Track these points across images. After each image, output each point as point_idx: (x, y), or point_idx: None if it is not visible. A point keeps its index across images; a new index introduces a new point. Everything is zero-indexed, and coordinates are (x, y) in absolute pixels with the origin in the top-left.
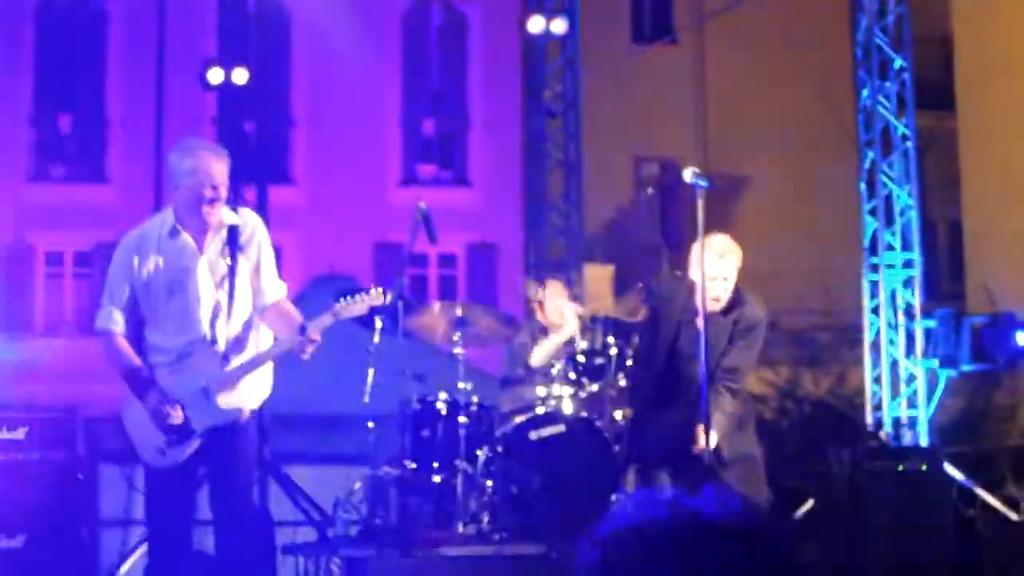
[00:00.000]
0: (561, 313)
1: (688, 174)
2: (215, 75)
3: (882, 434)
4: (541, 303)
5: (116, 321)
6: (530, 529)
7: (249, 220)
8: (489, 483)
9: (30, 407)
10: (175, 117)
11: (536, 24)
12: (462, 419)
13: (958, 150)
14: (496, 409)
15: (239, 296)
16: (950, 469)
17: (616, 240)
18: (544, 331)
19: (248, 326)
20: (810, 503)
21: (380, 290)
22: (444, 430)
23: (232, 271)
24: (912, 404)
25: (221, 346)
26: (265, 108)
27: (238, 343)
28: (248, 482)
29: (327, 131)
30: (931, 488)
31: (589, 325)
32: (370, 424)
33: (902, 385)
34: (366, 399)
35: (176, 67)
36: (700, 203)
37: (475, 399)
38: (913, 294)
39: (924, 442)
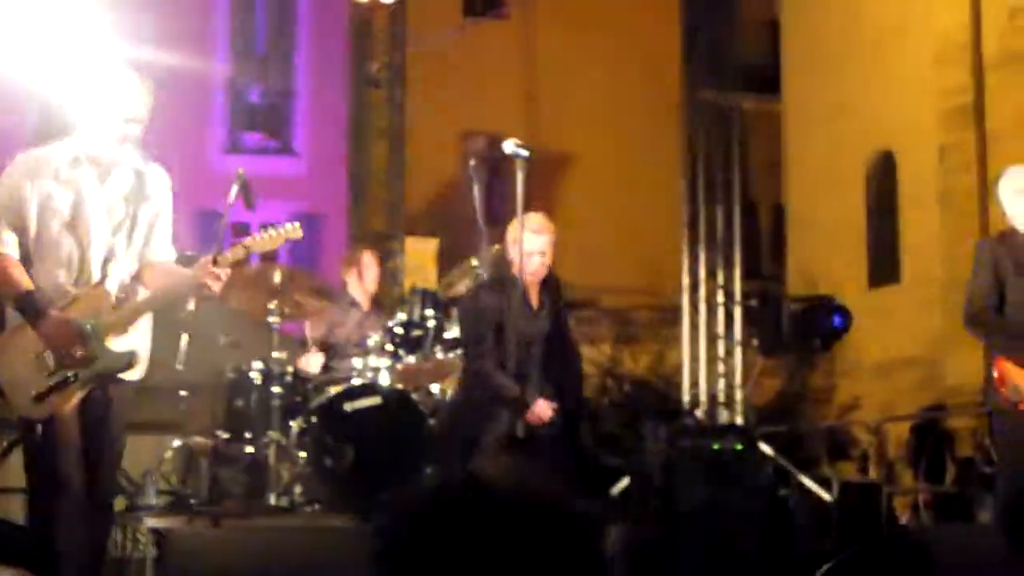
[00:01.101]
0: (375, 282)
1: (508, 145)
2: None
3: (698, 412)
4: (360, 272)
5: (4, 241)
6: (342, 501)
7: (159, 172)
8: (303, 454)
9: None
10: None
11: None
12: (276, 389)
13: (782, 134)
14: (311, 380)
15: (134, 245)
16: (765, 448)
17: (441, 214)
18: (354, 303)
19: (133, 282)
20: (626, 481)
21: (296, 225)
22: (257, 400)
23: (134, 217)
24: (729, 383)
25: (112, 289)
26: None
27: (125, 290)
28: (120, 448)
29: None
30: (745, 467)
31: (408, 297)
32: (183, 392)
33: (720, 364)
34: (179, 366)
35: None
36: (520, 174)
37: (290, 369)
38: (732, 275)
39: (740, 421)
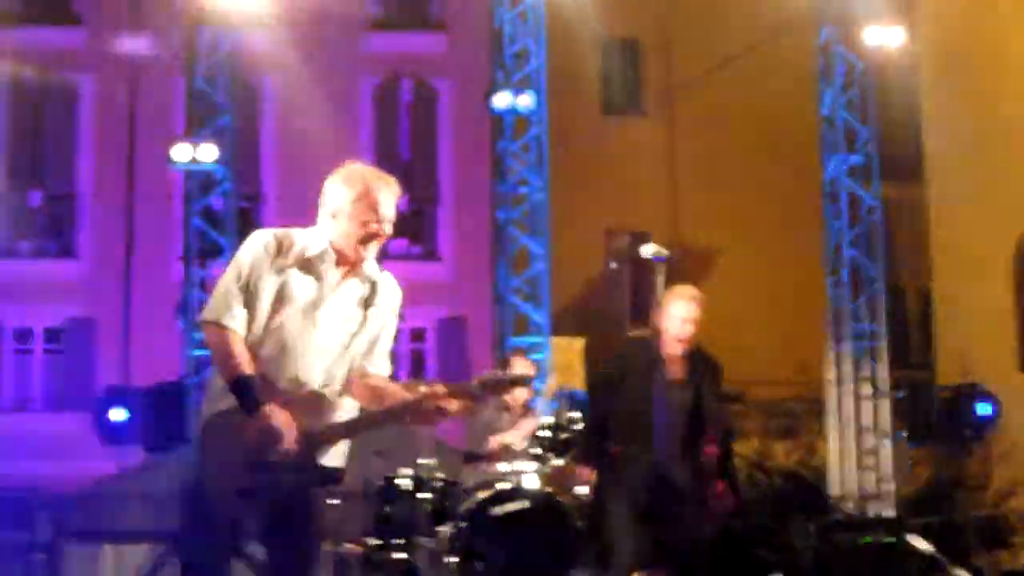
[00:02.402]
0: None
1: (647, 249)
2: (181, 152)
3: (848, 506)
4: None
5: (235, 317)
6: None
7: (392, 284)
8: (453, 560)
9: None
10: (145, 193)
11: (502, 99)
12: (425, 495)
13: (926, 221)
14: (460, 485)
15: (354, 351)
16: (916, 541)
17: (586, 313)
18: (507, 408)
19: (345, 387)
20: None
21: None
22: (407, 506)
23: (360, 328)
24: (879, 476)
25: (331, 395)
26: (235, 183)
27: (341, 402)
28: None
29: (297, 206)
30: (895, 560)
31: (554, 399)
32: (333, 500)
33: (868, 457)
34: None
35: (146, 143)
36: (660, 277)
37: (438, 474)
38: (880, 365)
39: (890, 514)
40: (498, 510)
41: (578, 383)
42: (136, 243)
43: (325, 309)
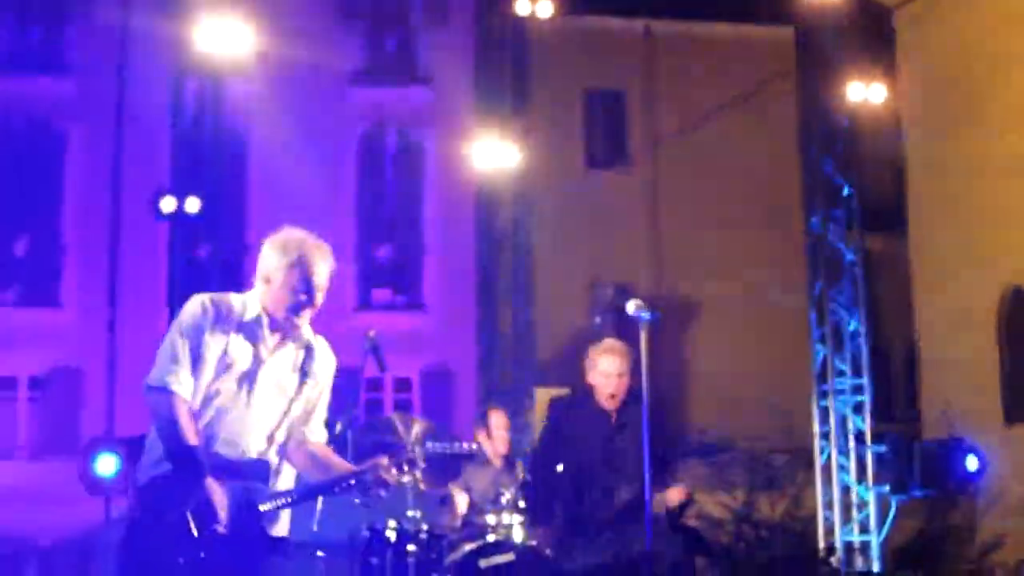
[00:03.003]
0: (505, 442)
1: (631, 306)
2: (167, 204)
3: (834, 560)
4: (489, 432)
5: (181, 382)
6: None
7: (327, 350)
8: None
9: None
10: (130, 242)
11: (487, 153)
12: (411, 547)
13: (910, 273)
14: (446, 537)
15: (292, 417)
16: None
17: (571, 363)
18: (487, 461)
19: (282, 454)
20: None
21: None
22: (393, 558)
23: (296, 393)
24: (864, 529)
25: (273, 463)
26: (219, 234)
27: (281, 469)
28: None
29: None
30: None
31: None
32: (319, 553)
33: (854, 510)
34: (315, 527)
35: (131, 192)
36: (643, 335)
37: (424, 526)
38: (864, 419)
39: (876, 567)
40: (484, 562)
41: None
42: (121, 292)
43: (263, 375)
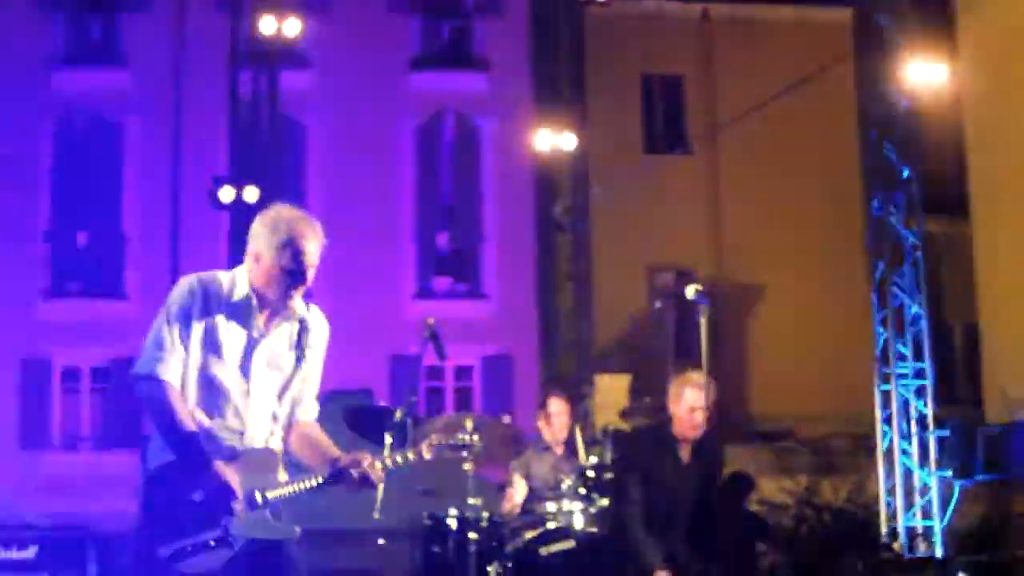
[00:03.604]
0: (564, 428)
1: (691, 291)
2: (226, 193)
3: (896, 545)
4: (549, 419)
5: (169, 370)
6: None
7: (321, 321)
8: None
9: (41, 526)
10: (191, 232)
11: (545, 139)
12: (472, 535)
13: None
14: (507, 524)
15: (290, 396)
16: None
17: (631, 350)
18: (547, 448)
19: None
20: None
21: (476, 438)
22: (454, 546)
23: (295, 370)
24: (926, 514)
25: (277, 450)
26: None
27: (286, 452)
28: None
29: (342, 245)
30: None
31: (600, 439)
32: (381, 540)
33: (916, 495)
34: (376, 515)
35: (190, 182)
36: (703, 320)
37: (485, 514)
38: (926, 404)
39: (938, 553)
40: (544, 550)
41: (622, 421)
42: None
43: (257, 355)
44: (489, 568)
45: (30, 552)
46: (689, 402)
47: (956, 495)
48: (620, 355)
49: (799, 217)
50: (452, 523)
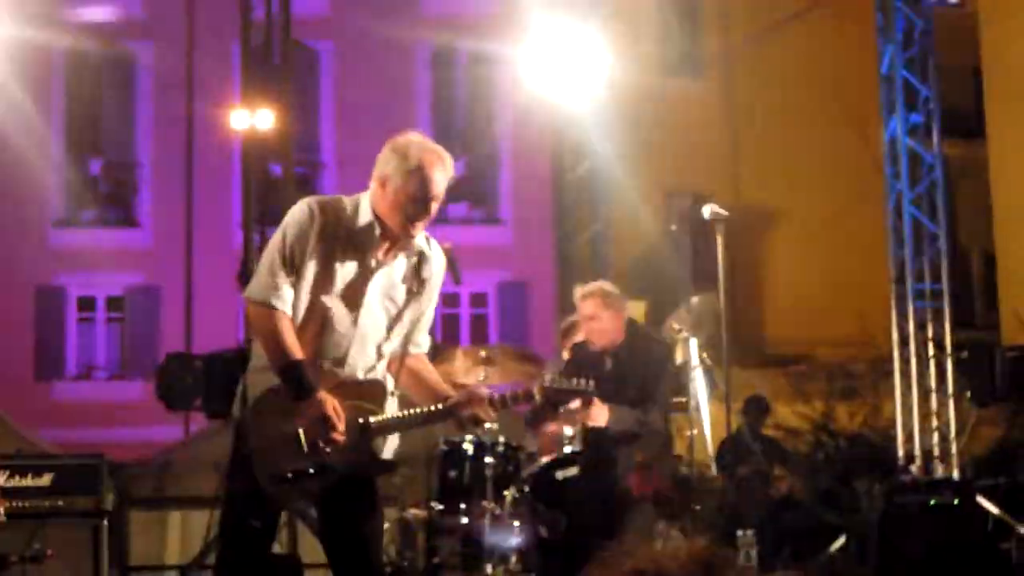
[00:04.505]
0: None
1: (706, 209)
2: (238, 118)
3: (914, 467)
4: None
5: (282, 297)
6: (558, 569)
7: (439, 257)
8: (517, 524)
9: (56, 453)
10: (205, 160)
11: (558, 62)
12: (488, 459)
13: (989, 178)
14: (523, 449)
15: (399, 330)
16: (984, 502)
17: (648, 275)
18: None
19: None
20: (842, 539)
21: (592, 387)
22: (471, 471)
23: (408, 303)
24: (944, 437)
25: (383, 381)
26: (293, 150)
27: (394, 391)
28: (382, 530)
29: (357, 173)
30: (963, 522)
31: None
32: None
33: (933, 418)
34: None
35: (204, 110)
36: (719, 238)
37: (501, 439)
38: (943, 325)
39: (956, 475)
40: (561, 474)
41: None
42: (197, 210)
43: (371, 286)
44: (506, 492)
45: (45, 479)
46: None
47: (973, 418)
48: (637, 281)
49: (817, 141)
50: (468, 448)
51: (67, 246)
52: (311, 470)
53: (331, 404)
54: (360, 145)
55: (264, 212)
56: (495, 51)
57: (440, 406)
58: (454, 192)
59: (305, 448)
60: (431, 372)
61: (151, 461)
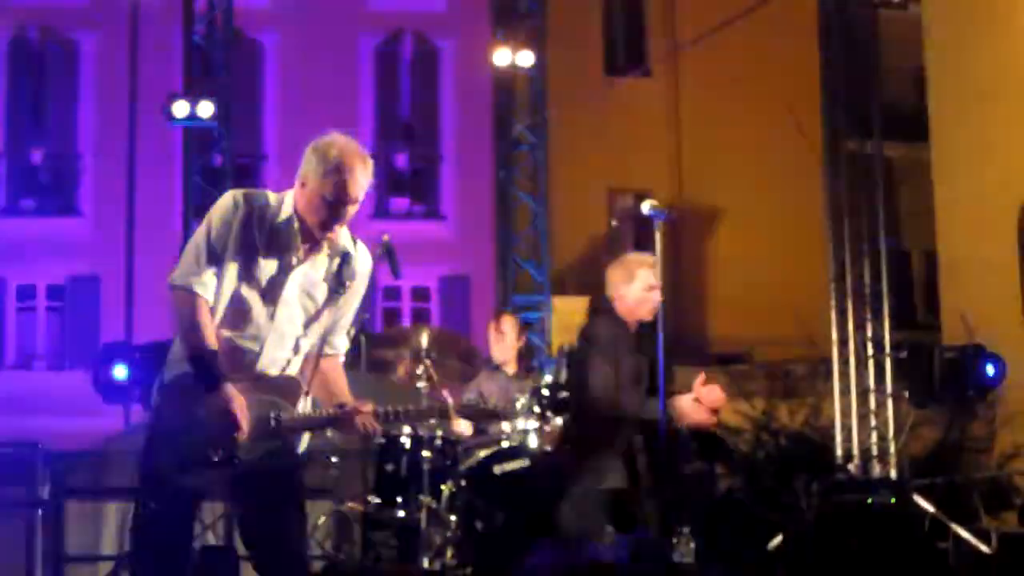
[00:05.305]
0: (514, 346)
1: (646, 206)
2: (180, 108)
3: (851, 466)
4: (501, 334)
5: (205, 284)
6: (493, 565)
7: (365, 259)
8: (453, 518)
9: None
10: (147, 150)
11: (502, 57)
12: (426, 453)
13: (931, 179)
14: (460, 443)
15: (318, 328)
16: (921, 501)
17: (589, 273)
18: (497, 367)
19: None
20: (780, 537)
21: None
22: (408, 464)
23: (327, 302)
24: (883, 437)
25: (297, 378)
26: (235, 142)
27: (305, 384)
28: (303, 521)
29: (299, 165)
30: (900, 521)
31: (555, 358)
32: (334, 459)
33: (872, 418)
34: (329, 433)
35: (147, 100)
36: (658, 236)
37: (439, 433)
38: (883, 325)
39: (894, 474)
40: (498, 468)
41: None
42: (138, 200)
43: (290, 282)
44: (443, 487)
45: None
46: (647, 281)
47: (912, 417)
48: (578, 278)
49: (759, 140)
50: (406, 442)
51: (7, 235)
52: (215, 459)
53: (238, 402)
54: (302, 138)
55: (205, 203)
56: (438, 47)
57: (334, 411)
58: (397, 187)
59: (209, 438)
60: (340, 377)
61: (89, 451)
